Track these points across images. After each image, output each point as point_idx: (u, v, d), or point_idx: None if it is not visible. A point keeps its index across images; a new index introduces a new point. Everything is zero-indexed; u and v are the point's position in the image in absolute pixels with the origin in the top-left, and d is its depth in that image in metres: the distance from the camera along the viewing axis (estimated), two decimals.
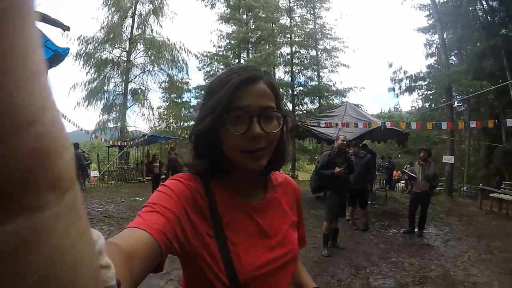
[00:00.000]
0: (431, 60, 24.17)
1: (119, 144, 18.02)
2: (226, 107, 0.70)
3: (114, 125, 24.11)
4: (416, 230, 6.79)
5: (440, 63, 19.11)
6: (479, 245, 6.09)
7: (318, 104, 27.04)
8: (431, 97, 23.72)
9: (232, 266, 0.73)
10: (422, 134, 21.86)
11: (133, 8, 23.61)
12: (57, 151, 0.18)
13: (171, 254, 0.66)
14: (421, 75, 18.24)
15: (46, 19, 5.84)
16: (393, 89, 18.39)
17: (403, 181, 16.79)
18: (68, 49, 5.76)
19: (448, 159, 12.99)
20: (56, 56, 6.52)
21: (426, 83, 18.85)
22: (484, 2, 20.32)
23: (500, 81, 18.63)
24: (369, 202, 7.98)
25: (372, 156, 7.20)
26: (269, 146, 0.76)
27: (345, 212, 6.39)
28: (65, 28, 6.35)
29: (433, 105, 21.81)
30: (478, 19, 20.41)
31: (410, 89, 18.39)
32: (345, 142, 5.52)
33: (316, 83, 27.46)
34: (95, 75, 23.22)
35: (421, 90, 19.23)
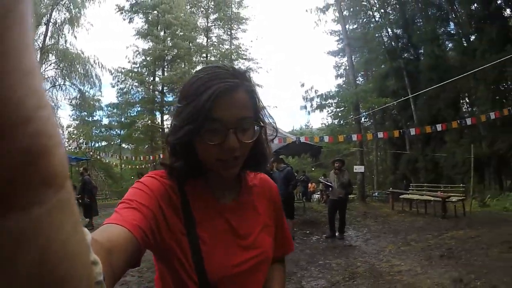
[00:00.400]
0: (340, 81, 26.30)
1: None
2: (201, 118, 0.68)
3: None
4: (337, 234, 7.01)
5: (348, 83, 20.75)
6: (397, 240, 6.42)
7: None
8: (339, 114, 25.54)
9: (202, 265, 0.72)
10: (333, 148, 23.30)
11: (48, 15, 21.69)
12: (51, 148, 0.18)
13: (148, 248, 0.66)
14: (331, 94, 19.47)
15: None
16: (305, 107, 19.31)
17: (318, 192, 17.66)
18: None
19: (358, 168, 13.98)
20: None
21: (335, 101, 20.18)
22: (389, 30, 22.98)
23: (403, 97, 21.06)
24: None
25: (290, 168, 7.31)
26: (244, 154, 0.75)
27: None
28: None
29: (342, 121, 23.52)
30: (383, 44, 23.10)
31: (320, 107, 19.45)
32: None
33: None
34: None
35: (331, 108, 20.50)
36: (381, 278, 4.15)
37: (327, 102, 19.60)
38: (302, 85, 19.47)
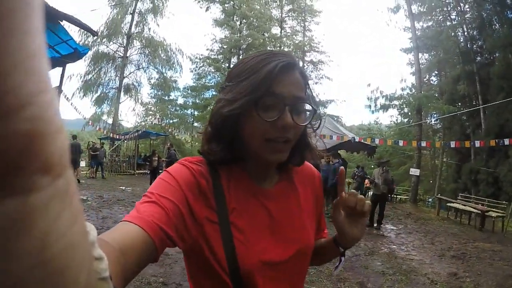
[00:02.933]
0: (413, 79, 25.87)
1: (111, 136, 18.52)
2: (260, 92, 0.67)
3: (106, 118, 24.77)
4: (375, 225, 8.12)
5: (414, 86, 20.69)
6: (425, 238, 7.37)
7: None
8: (409, 113, 25.25)
9: (234, 254, 0.69)
10: (399, 148, 23.51)
11: (134, 5, 24.21)
12: (50, 134, 0.18)
13: (168, 247, 0.62)
14: (395, 96, 19.77)
15: (76, 22, 6.84)
16: (370, 106, 20.06)
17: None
18: (88, 49, 6.68)
19: (414, 171, 14.49)
20: (76, 53, 7.52)
21: (400, 102, 20.40)
22: (465, 30, 21.91)
23: (474, 103, 20.31)
24: None
25: (339, 164, 8.56)
26: (294, 139, 0.73)
27: None
28: (94, 33, 7.34)
29: (411, 121, 23.36)
30: (458, 45, 21.75)
31: (384, 107, 19.98)
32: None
33: None
34: (92, 68, 23.82)
35: (395, 109, 20.75)
36: (394, 259, 5.30)
37: (392, 103, 20.03)
38: (368, 85, 20.17)
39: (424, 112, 20.72)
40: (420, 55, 21.68)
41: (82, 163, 16.25)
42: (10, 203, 0.16)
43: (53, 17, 6.31)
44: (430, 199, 18.55)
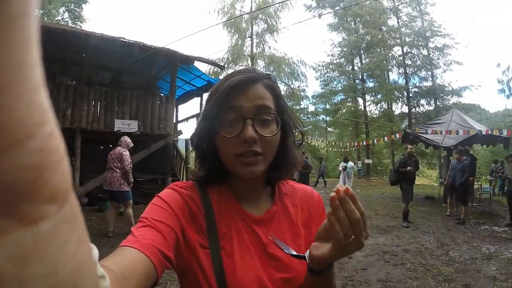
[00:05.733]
0: None
1: None
2: (219, 109, 0.70)
3: None
4: None
5: None
6: None
7: (434, 105, 26.52)
8: None
9: (223, 280, 0.69)
10: None
11: (250, 29, 26.37)
12: (53, 164, 0.18)
13: (167, 268, 0.64)
14: None
15: (205, 61, 9.67)
16: (503, 91, 18.03)
17: None
18: (219, 80, 10.21)
19: None
20: (209, 85, 10.02)
21: None
22: None
23: None
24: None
25: (469, 161, 8.24)
26: (267, 152, 0.72)
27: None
28: (221, 67, 10.56)
29: None
30: None
31: None
32: (412, 150, 8.08)
33: (431, 83, 27.08)
34: None
35: None
36: None
37: None
38: (498, 65, 18.21)
39: None
40: None
41: None
42: (21, 233, 0.17)
43: (188, 60, 9.39)
44: None
